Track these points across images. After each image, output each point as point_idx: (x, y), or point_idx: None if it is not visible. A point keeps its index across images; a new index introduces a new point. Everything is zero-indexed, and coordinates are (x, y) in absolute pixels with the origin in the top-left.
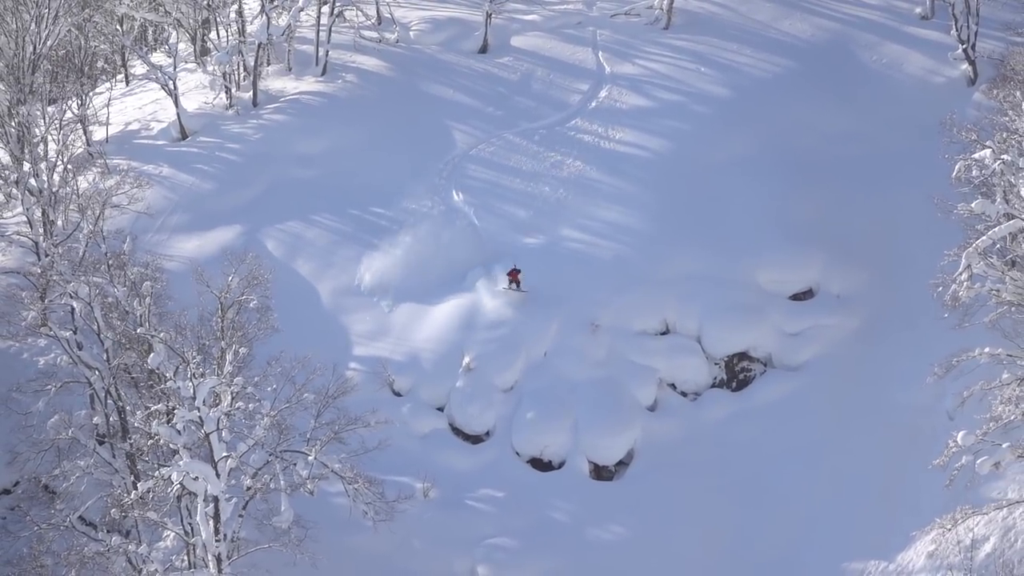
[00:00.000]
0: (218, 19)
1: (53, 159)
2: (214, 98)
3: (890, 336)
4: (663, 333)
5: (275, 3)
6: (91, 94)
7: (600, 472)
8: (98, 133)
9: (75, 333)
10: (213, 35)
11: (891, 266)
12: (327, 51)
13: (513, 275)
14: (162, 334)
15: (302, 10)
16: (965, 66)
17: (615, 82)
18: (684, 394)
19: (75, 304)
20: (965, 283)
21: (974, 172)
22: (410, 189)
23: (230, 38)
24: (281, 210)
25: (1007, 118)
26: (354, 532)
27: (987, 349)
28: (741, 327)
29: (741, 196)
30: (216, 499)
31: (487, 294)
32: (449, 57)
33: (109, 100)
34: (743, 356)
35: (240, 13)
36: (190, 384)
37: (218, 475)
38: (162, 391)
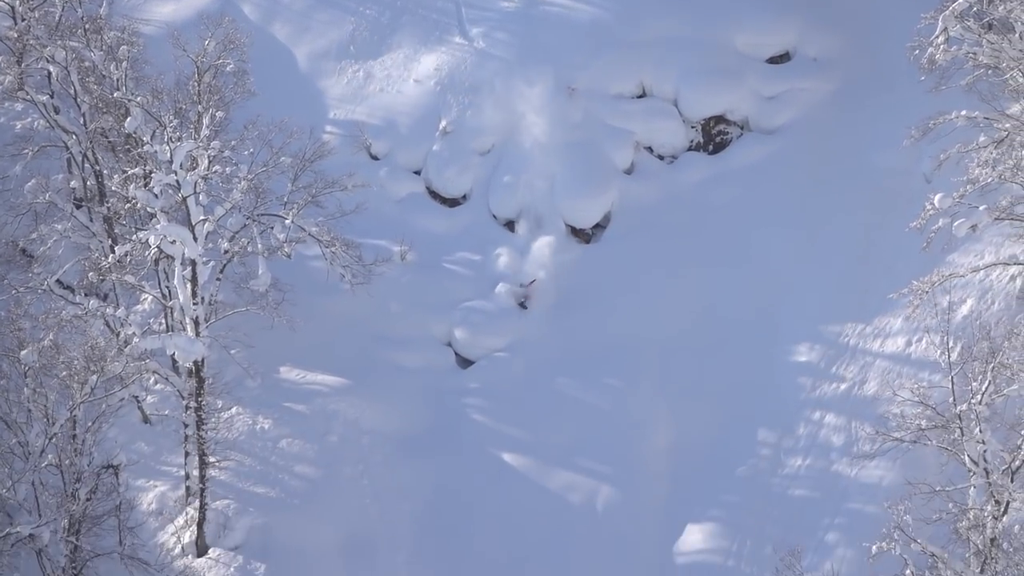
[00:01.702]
0: None
1: None
2: None
3: (867, 99)
4: (639, 96)
5: None
6: None
7: (577, 235)
8: None
9: (52, 97)
10: None
11: (868, 29)
12: None
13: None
14: (139, 98)
15: None
16: None
17: None
18: (661, 157)
19: (52, 68)
20: (942, 46)
21: None
22: None
23: None
24: None
25: None
26: (331, 295)
27: (964, 112)
28: (718, 90)
29: None
30: (193, 262)
31: (463, 59)
32: None
33: None
34: (720, 119)
35: None
36: (167, 148)
37: (195, 238)
38: (139, 155)
